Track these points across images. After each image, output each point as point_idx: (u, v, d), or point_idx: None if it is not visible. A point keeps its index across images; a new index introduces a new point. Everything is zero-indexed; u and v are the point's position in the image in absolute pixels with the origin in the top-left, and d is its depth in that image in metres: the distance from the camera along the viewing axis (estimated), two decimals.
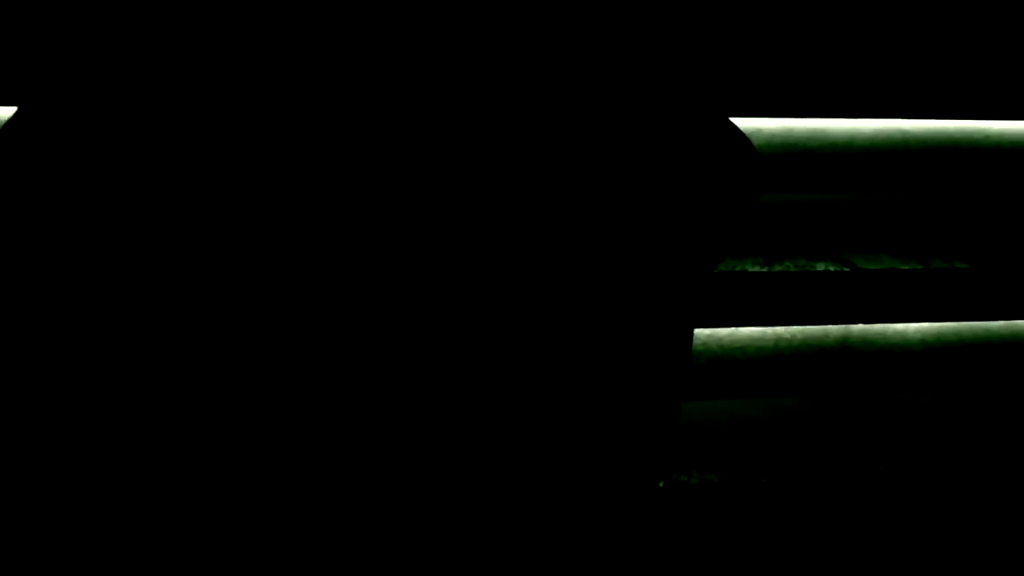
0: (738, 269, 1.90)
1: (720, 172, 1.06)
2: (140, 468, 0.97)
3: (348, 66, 0.94)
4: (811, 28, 1.87)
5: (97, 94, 0.94)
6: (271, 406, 0.95)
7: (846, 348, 2.03)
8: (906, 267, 1.95)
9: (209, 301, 0.93)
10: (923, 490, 2.07)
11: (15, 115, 0.99)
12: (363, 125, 0.94)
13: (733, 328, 1.96)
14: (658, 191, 1.00)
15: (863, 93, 1.93)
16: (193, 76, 0.94)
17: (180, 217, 0.92)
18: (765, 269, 1.90)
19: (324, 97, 0.94)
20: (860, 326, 2.02)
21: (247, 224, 0.92)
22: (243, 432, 0.96)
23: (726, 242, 1.13)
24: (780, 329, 1.98)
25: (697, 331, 1.96)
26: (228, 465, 0.96)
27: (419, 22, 0.96)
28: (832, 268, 1.93)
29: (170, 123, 0.93)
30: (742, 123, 1.92)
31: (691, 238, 1.06)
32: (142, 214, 0.92)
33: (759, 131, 1.94)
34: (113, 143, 0.92)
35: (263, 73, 0.93)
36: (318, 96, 0.94)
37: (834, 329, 2.01)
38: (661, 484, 1.95)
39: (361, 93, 0.94)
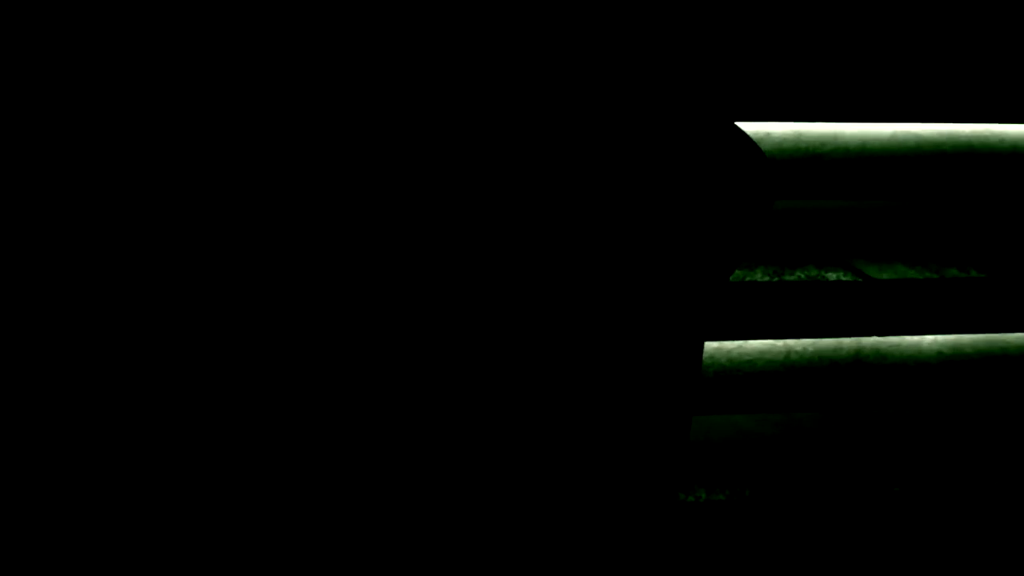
0: (747, 280, 1.85)
1: (726, 180, 1.05)
2: (137, 467, 0.97)
3: (353, 67, 0.93)
4: (821, 29, 1.83)
5: (88, 93, 0.94)
6: (272, 406, 0.95)
7: (859, 361, 1.98)
8: (921, 277, 1.90)
9: (205, 301, 0.94)
10: (941, 509, 2.01)
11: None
12: (371, 127, 0.93)
13: (742, 341, 1.91)
14: (659, 201, 1.00)
15: (876, 96, 1.88)
16: (183, 75, 0.94)
17: (157, 221, 0.92)
18: (775, 279, 1.85)
19: (324, 98, 0.93)
20: (873, 338, 1.96)
21: (252, 225, 0.92)
22: (246, 432, 0.96)
23: (735, 252, 1.11)
24: (791, 342, 1.93)
25: (704, 344, 1.91)
26: (233, 463, 0.97)
27: (431, 24, 0.94)
28: (844, 278, 1.88)
29: (158, 124, 0.93)
30: (751, 127, 1.87)
31: (698, 248, 1.05)
32: (136, 214, 0.92)
33: (768, 136, 1.89)
34: (110, 143, 0.93)
35: (262, 73, 0.93)
36: (314, 97, 0.93)
37: (847, 341, 1.96)
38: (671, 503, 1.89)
39: (366, 95, 0.93)
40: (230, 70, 0.92)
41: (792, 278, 1.87)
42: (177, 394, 0.95)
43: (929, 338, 2.00)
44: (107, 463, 0.97)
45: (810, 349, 1.96)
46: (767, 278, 1.86)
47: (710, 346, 1.93)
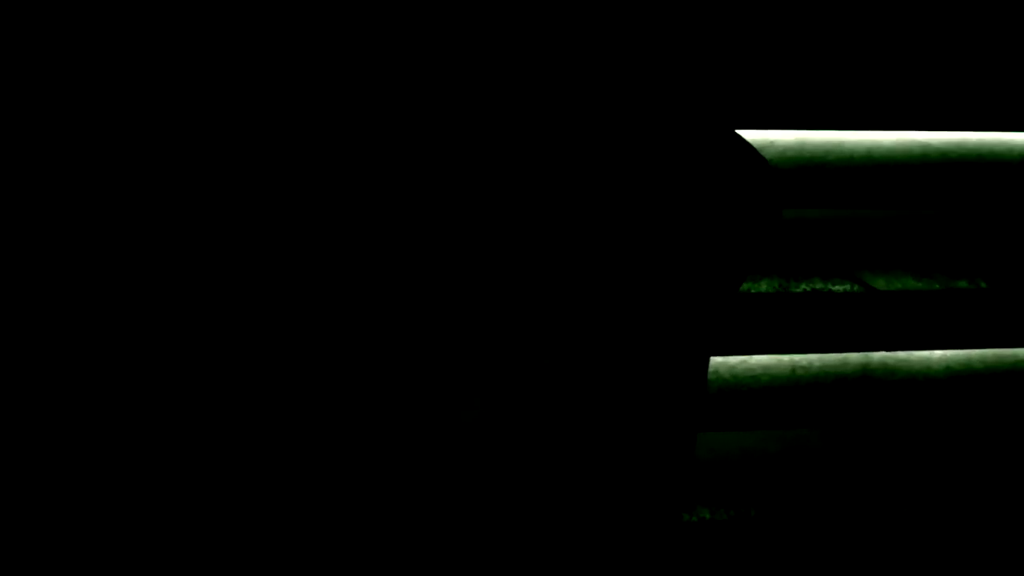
0: (753, 291, 1.81)
1: (732, 191, 1.03)
2: (128, 464, 0.97)
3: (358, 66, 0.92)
4: (826, 34, 1.80)
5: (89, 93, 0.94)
6: (271, 407, 0.95)
7: (866, 377, 1.93)
8: (929, 289, 1.86)
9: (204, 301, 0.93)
10: (952, 528, 1.96)
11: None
12: (376, 128, 0.93)
13: (745, 356, 1.87)
14: (663, 214, 0.99)
15: (882, 103, 1.85)
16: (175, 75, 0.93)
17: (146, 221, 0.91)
18: (779, 290, 1.81)
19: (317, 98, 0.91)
20: (881, 353, 1.92)
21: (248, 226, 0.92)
22: (245, 433, 0.96)
23: (744, 264, 1.09)
24: (796, 357, 1.89)
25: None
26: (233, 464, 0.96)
27: (433, 34, 0.93)
28: (850, 290, 1.84)
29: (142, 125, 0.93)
30: (753, 135, 1.84)
31: (705, 262, 1.03)
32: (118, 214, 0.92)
33: (772, 144, 1.85)
34: (106, 143, 0.93)
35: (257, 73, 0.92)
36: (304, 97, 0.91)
37: (853, 356, 1.92)
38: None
39: (367, 96, 0.93)
40: (228, 71, 0.91)
41: (797, 290, 1.83)
42: (177, 394, 0.94)
43: (938, 353, 1.96)
44: (92, 460, 0.96)
45: (816, 364, 1.91)
46: (771, 291, 1.82)
47: (713, 361, 1.89)
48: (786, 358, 1.90)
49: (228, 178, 0.91)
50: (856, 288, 1.86)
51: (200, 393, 0.94)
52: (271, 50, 0.92)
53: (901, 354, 1.93)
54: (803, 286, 1.85)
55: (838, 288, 1.85)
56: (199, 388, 0.94)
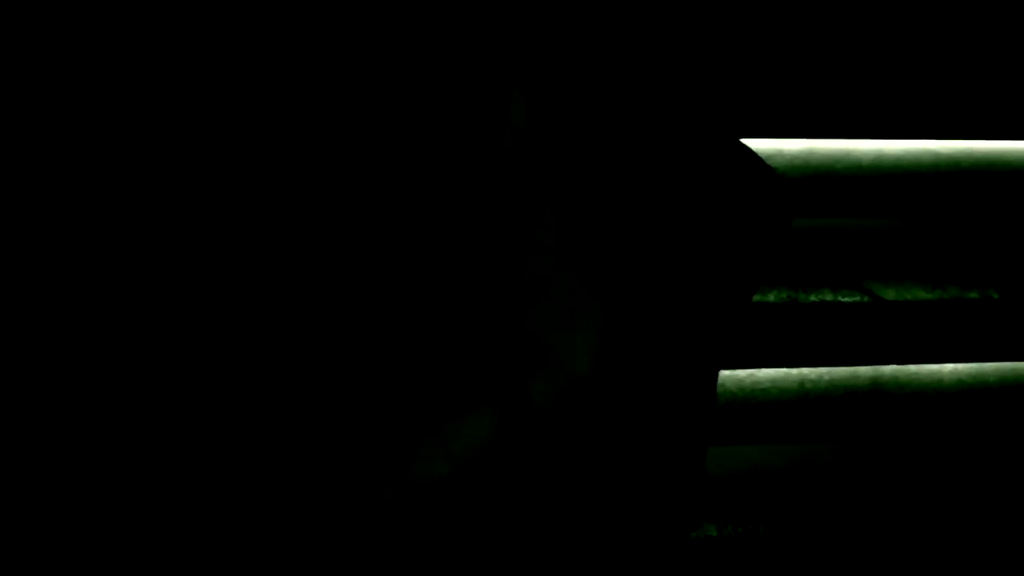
0: (762, 302, 1.78)
1: (735, 202, 1.02)
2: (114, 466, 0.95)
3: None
4: (834, 41, 1.78)
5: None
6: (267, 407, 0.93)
7: (876, 391, 1.91)
8: (940, 300, 1.84)
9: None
10: (964, 545, 1.93)
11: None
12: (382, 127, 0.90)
13: (753, 369, 1.85)
14: (663, 226, 0.97)
15: (891, 112, 1.83)
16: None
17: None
18: (787, 300, 1.79)
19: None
20: (892, 367, 1.90)
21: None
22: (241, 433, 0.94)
23: (756, 276, 1.08)
24: (805, 370, 1.87)
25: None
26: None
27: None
28: (860, 302, 1.81)
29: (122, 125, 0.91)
30: (761, 145, 1.82)
31: (715, 273, 1.02)
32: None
33: (780, 153, 1.83)
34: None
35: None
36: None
37: (864, 370, 1.89)
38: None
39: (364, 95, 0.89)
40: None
41: (805, 302, 1.81)
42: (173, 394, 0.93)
43: (949, 366, 1.93)
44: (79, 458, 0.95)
45: (825, 378, 1.89)
46: (779, 302, 1.80)
47: (721, 374, 1.87)
48: (795, 372, 1.87)
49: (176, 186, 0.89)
50: (865, 299, 1.84)
51: (185, 398, 0.92)
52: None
53: (911, 367, 1.91)
54: (812, 297, 1.82)
55: (847, 299, 1.83)
56: (184, 393, 0.92)
